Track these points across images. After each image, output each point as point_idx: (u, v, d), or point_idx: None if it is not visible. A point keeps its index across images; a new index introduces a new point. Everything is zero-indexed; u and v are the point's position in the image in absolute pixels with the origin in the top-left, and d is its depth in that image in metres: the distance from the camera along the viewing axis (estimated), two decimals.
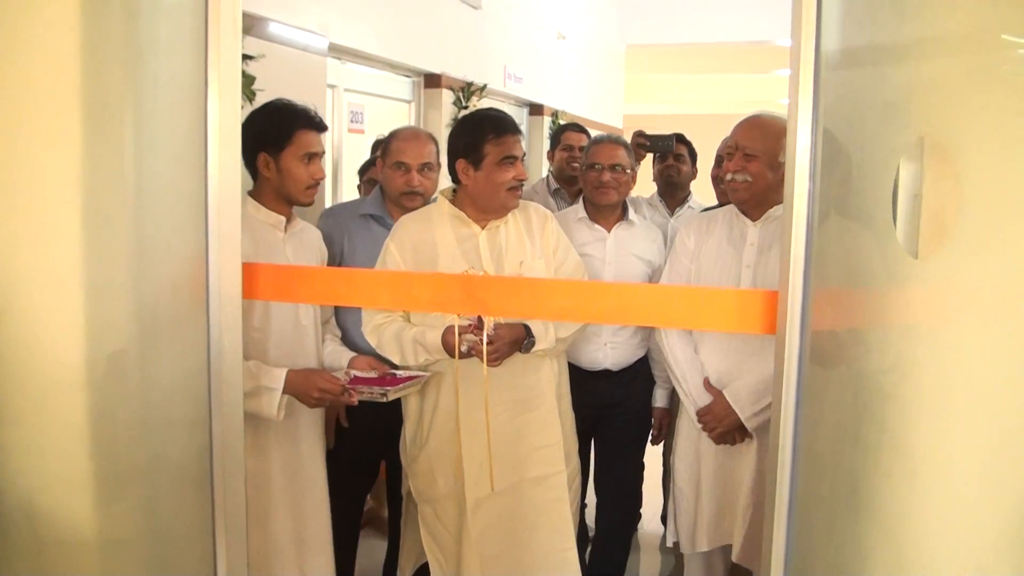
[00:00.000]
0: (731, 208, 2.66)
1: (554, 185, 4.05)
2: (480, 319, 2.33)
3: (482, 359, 2.34)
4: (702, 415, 2.54)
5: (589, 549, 3.22)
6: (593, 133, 4.09)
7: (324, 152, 2.45)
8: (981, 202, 1.20)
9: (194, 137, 1.77)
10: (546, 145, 7.65)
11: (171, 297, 1.82)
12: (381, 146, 2.93)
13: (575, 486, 2.67)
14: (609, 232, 2.94)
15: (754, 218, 2.56)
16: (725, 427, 2.51)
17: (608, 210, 2.96)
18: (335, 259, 2.76)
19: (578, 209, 3.03)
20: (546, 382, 2.52)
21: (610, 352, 2.91)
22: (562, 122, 7.74)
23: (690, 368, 2.59)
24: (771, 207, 2.52)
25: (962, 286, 1.21)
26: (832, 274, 1.48)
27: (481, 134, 2.43)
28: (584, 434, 2.82)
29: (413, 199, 2.79)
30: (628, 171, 2.96)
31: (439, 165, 2.90)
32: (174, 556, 1.87)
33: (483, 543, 2.47)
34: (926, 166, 1.25)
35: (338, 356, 2.54)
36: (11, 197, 1.66)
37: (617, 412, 2.97)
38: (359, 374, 2.40)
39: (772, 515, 1.48)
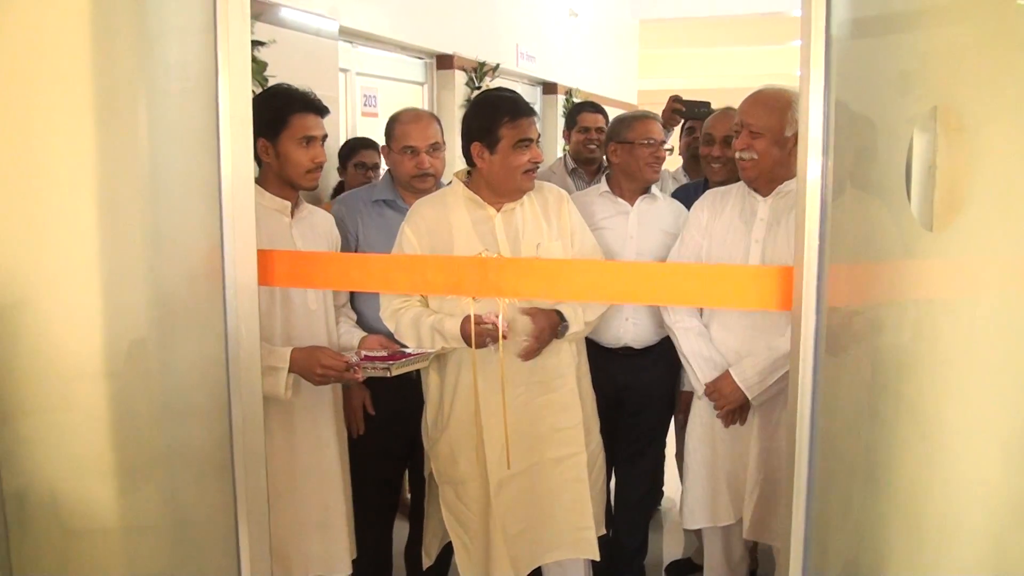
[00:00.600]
0: (742, 184, 2.66)
1: (571, 165, 4.03)
2: (491, 319, 2.34)
3: (498, 348, 2.36)
4: (709, 393, 2.57)
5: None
6: (609, 110, 4.07)
7: (325, 135, 2.43)
8: (998, 171, 1.19)
9: (206, 125, 1.77)
10: (560, 124, 7.63)
11: (187, 286, 1.83)
12: (385, 131, 2.91)
13: (598, 465, 2.69)
14: (632, 206, 2.93)
15: (764, 194, 2.57)
16: (732, 404, 2.54)
17: (635, 184, 2.95)
18: (350, 246, 2.76)
19: (601, 185, 3.03)
20: (566, 364, 2.53)
21: (631, 328, 2.90)
22: (576, 100, 7.69)
23: (698, 344, 2.60)
24: (781, 182, 2.54)
25: (980, 258, 1.19)
26: (847, 249, 1.46)
27: (496, 117, 2.41)
28: (607, 413, 2.82)
29: (425, 180, 2.79)
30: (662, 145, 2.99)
31: (445, 144, 2.89)
32: (196, 542, 1.89)
33: (506, 522, 2.49)
34: (940, 136, 1.23)
35: (351, 337, 2.55)
36: (26, 189, 1.67)
37: (640, 393, 2.97)
38: (369, 353, 2.40)
39: (791, 494, 1.48)
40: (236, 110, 1.77)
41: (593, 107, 4.13)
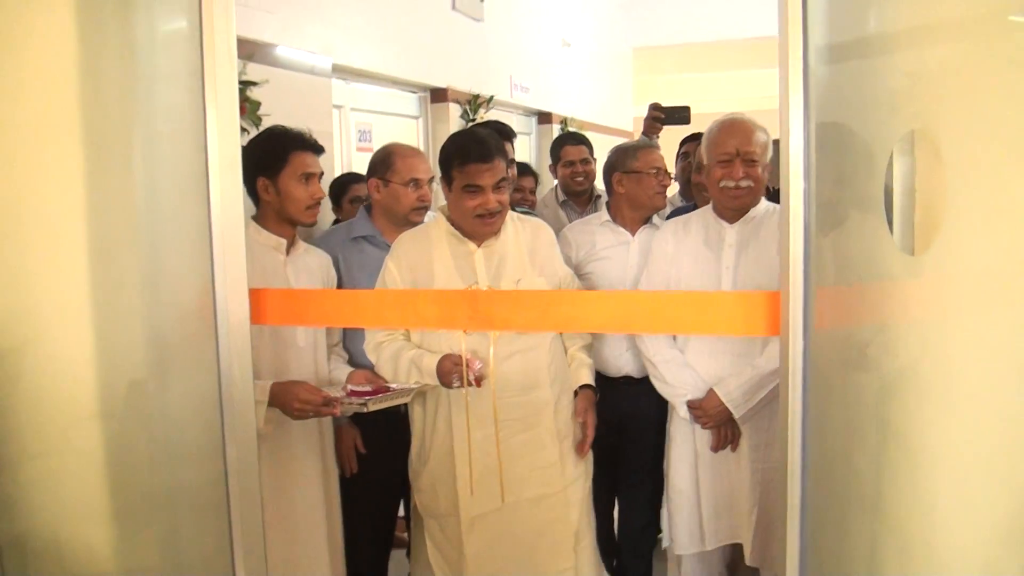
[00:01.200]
0: (705, 211, 2.69)
1: (562, 197, 4.04)
2: (466, 360, 2.29)
3: (478, 385, 2.33)
4: (693, 408, 2.56)
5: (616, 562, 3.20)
6: (605, 139, 4.10)
7: (322, 173, 2.48)
8: (981, 191, 1.19)
9: (195, 166, 1.79)
10: None
11: (180, 325, 1.84)
12: (374, 165, 2.90)
13: (579, 499, 2.59)
14: (633, 236, 2.94)
15: (731, 220, 2.60)
16: (717, 421, 2.54)
17: (640, 214, 2.96)
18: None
19: (602, 214, 3.05)
20: (543, 401, 2.47)
21: (631, 358, 2.90)
22: (572, 129, 7.74)
23: (683, 374, 2.60)
24: (749, 208, 2.59)
25: (966, 280, 1.20)
26: (833, 272, 1.47)
27: (449, 158, 2.40)
28: (608, 440, 2.81)
29: (421, 214, 2.81)
30: (664, 174, 3.01)
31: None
32: None
33: (480, 562, 2.45)
34: (918, 159, 1.24)
35: (341, 373, 2.55)
36: (17, 233, 1.69)
37: (641, 420, 2.96)
38: (355, 388, 2.39)
39: (785, 516, 1.48)
40: (224, 151, 1.79)
41: (575, 139, 4.15)
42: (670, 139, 3.77)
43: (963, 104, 1.22)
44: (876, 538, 1.23)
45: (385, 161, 2.85)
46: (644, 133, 3.75)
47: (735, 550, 2.73)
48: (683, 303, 1.76)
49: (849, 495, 1.33)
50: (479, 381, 2.32)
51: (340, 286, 2.73)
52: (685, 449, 2.67)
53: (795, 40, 1.45)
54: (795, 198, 1.47)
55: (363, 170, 3.90)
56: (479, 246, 2.42)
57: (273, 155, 2.39)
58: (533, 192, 3.99)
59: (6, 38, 1.64)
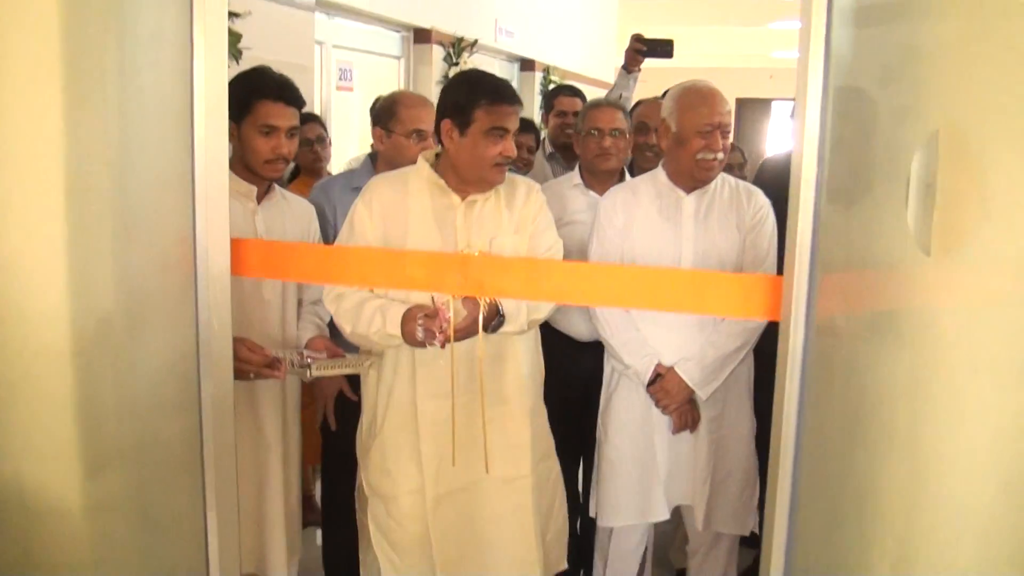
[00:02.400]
0: (652, 177, 2.61)
1: (549, 150, 3.97)
2: (439, 307, 2.09)
3: (442, 346, 2.11)
4: (655, 391, 2.51)
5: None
6: (587, 89, 4.02)
7: (292, 127, 2.31)
8: (1000, 185, 1.15)
9: (179, 104, 1.70)
10: (537, 101, 7.56)
11: (158, 274, 1.77)
12: (379, 113, 2.81)
13: (551, 492, 2.48)
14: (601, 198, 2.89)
15: (689, 189, 2.54)
16: (678, 402, 2.50)
17: (606, 176, 2.90)
18: (328, 235, 2.64)
19: (573, 176, 2.97)
20: (515, 373, 2.32)
21: None
22: (554, 79, 7.62)
23: (630, 337, 2.54)
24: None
25: (987, 273, 1.16)
26: (841, 257, 1.43)
27: (473, 96, 2.19)
28: (576, 410, 2.78)
29: None
30: (627, 136, 2.91)
31: None
32: (164, 536, 1.84)
33: (443, 544, 2.30)
34: (941, 156, 1.20)
35: (306, 334, 2.42)
36: None
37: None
38: (313, 353, 2.28)
39: (773, 512, 1.46)
40: (212, 89, 1.70)
41: (571, 91, 4.08)
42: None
43: (1005, 83, 1.14)
44: (868, 542, 1.22)
45: (389, 110, 2.75)
46: (624, 66, 3.65)
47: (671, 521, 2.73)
48: (680, 281, 1.73)
49: (843, 494, 1.31)
50: (444, 337, 2.09)
51: (333, 236, 2.64)
52: (628, 420, 2.62)
53: (818, 31, 1.39)
54: (806, 185, 1.43)
55: (342, 110, 3.84)
56: (463, 200, 2.25)
57: (238, 101, 2.18)
58: (532, 152, 3.82)
59: None
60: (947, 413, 1.16)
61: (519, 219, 2.30)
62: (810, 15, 1.39)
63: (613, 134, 2.86)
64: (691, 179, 2.53)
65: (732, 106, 2.58)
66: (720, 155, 2.48)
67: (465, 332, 2.12)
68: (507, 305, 2.15)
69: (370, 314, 2.17)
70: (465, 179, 2.24)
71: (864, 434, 1.33)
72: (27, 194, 1.61)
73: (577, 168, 2.99)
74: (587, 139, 2.90)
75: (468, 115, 2.18)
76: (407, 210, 2.24)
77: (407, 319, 2.11)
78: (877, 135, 1.35)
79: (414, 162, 2.42)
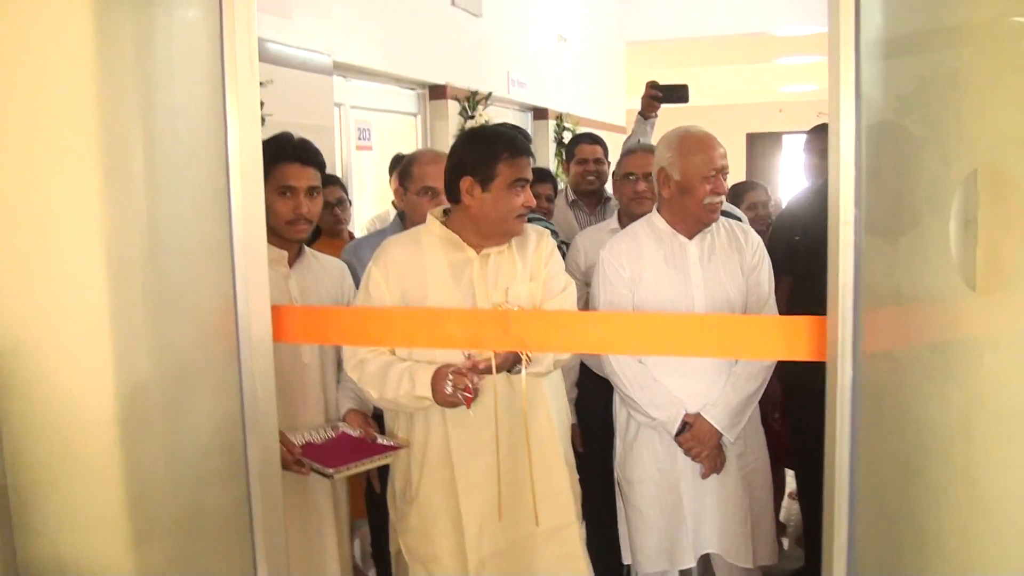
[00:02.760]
0: (649, 224, 2.61)
1: (571, 197, 4.00)
2: (474, 361, 2.10)
3: (468, 406, 2.09)
4: (685, 440, 2.50)
5: None
6: (599, 134, 4.05)
7: (312, 187, 2.32)
8: None
9: (214, 174, 1.72)
10: (551, 149, 7.63)
11: (200, 343, 1.78)
12: (399, 172, 2.86)
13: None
14: None
15: (690, 234, 2.55)
16: (710, 447, 2.49)
17: (631, 221, 2.93)
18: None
19: (611, 221, 3.04)
20: (546, 420, 2.28)
21: None
22: (567, 125, 7.70)
23: (652, 389, 2.52)
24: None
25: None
26: (883, 296, 1.43)
27: (494, 151, 2.19)
28: (604, 447, 2.77)
29: None
30: None
31: None
32: None
33: None
34: (982, 190, 1.20)
35: (344, 404, 2.40)
36: (33, 241, 1.61)
37: None
38: (347, 430, 2.27)
39: (832, 555, 1.44)
40: (246, 160, 1.73)
41: (591, 138, 4.10)
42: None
43: None
44: None
45: (406, 169, 2.80)
46: (641, 113, 3.69)
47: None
48: (725, 326, 1.72)
49: (902, 535, 1.29)
50: (472, 394, 2.08)
51: None
52: (653, 469, 2.60)
53: (847, 32, 1.39)
54: (845, 210, 1.42)
55: (361, 169, 3.89)
56: (478, 254, 2.25)
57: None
58: (551, 200, 3.82)
59: (22, 37, 1.56)
60: (1003, 447, 1.15)
61: (532, 266, 2.29)
62: (838, 50, 1.40)
63: (647, 178, 2.89)
64: (696, 223, 2.54)
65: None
66: (723, 197, 2.52)
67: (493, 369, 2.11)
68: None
69: (397, 378, 2.16)
70: (485, 233, 2.24)
71: (920, 471, 1.32)
72: (68, 267, 1.63)
73: (616, 213, 3.03)
74: (622, 183, 2.98)
75: (491, 170, 2.18)
76: (423, 268, 2.23)
77: (437, 378, 2.10)
78: (915, 169, 1.36)
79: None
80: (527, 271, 2.28)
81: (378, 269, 2.24)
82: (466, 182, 2.20)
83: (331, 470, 2.11)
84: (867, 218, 1.42)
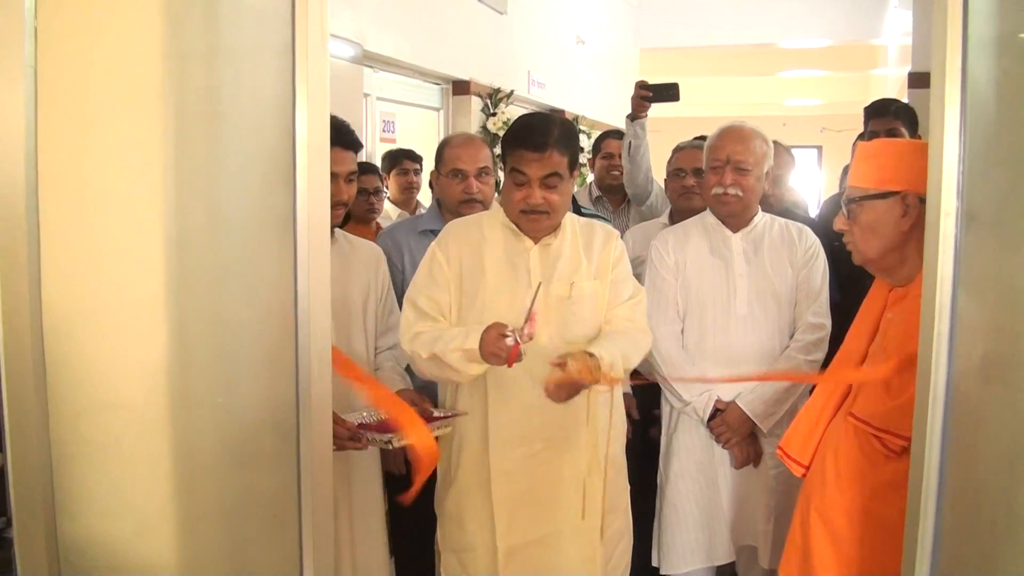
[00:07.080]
0: (702, 219, 2.65)
1: (596, 193, 3.97)
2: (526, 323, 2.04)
3: (510, 364, 2.02)
4: (715, 426, 2.50)
5: None
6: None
7: (350, 171, 2.31)
8: None
9: (280, 152, 1.67)
10: None
11: (257, 322, 1.73)
12: (436, 157, 2.83)
13: (622, 545, 2.41)
14: None
15: (734, 228, 2.57)
16: (740, 435, 2.47)
17: (691, 215, 2.92)
18: (396, 279, 2.64)
19: (663, 218, 3.07)
20: (597, 419, 2.24)
21: None
22: (583, 128, 7.69)
23: (684, 369, 2.52)
24: (752, 215, 2.58)
25: None
26: (983, 293, 1.38)
27: (504, 140, 2.23)
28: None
29: (472, 206, 2.68)
30: None
31: (494, 170, 2.82)
32: None
33: None
34: None
35: (393, 386, 2.35)
36: (94, 221, 1.57)
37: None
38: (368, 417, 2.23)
39: (914, 556, 1.40)
40: (314, 140, 1.68)
41: (618, 134, 4.07)
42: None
43: None
44: None
45: (439, 152, 2.80)
46: (631, 114, 3.58)
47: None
48: None
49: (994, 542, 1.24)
50: (516, 353, 2.00)
51: (401, 279, 2.63)
52: (690, 462, 2.59)
53: (954, 17, 1.34)
54: (947, 202, 1.37)
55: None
56: (536, 243, 2.24)
57: None
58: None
59: (90, 13, 1.53)
60: None
61: (598, 265, 2.28)
62: (944, 45, 1.36)
63: (696, 174, 2.88)
64: (720, 216, 2.58)
65: None
66: (731, 190, 2.48)
67: (573, 391, 2.06)
68: (604, 356, 2.07)
69: (450, 336, 2.12)
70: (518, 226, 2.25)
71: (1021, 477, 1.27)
72: (125, 244, 1.59)
73: (668, 210, 3.03)
74: (673, 180, 3.00)
75: (504, 159, 2.22)
76: (482, 254, 2.24)
77: (487, 339, 2.04)
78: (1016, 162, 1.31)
79: (457, 200, 2.57)
80: (592, 268, 2.27)
81: (440, 250, 2.27)
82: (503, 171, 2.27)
83: (389, 436, 2.08)
84: (968, 210, 1.37)
